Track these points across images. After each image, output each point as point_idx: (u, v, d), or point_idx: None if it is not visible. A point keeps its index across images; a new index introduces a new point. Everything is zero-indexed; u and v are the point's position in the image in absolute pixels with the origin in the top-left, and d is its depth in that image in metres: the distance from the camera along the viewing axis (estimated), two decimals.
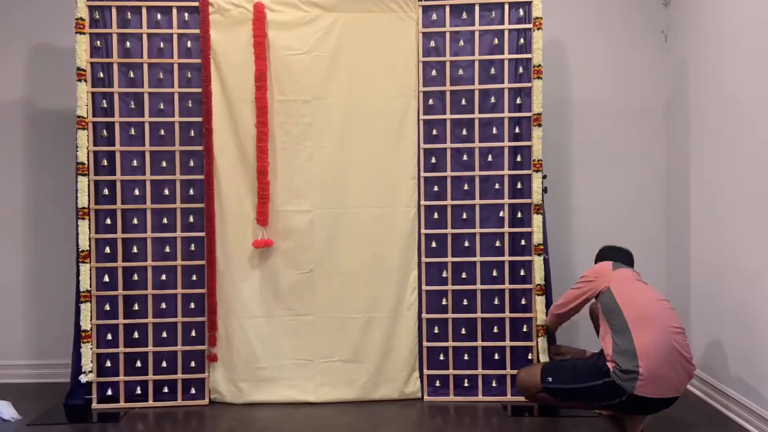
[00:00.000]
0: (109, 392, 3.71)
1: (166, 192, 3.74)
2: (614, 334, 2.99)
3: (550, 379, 3.12)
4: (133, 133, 3.72)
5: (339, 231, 3.77)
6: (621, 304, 3.01)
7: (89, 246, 3.63)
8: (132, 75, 3.71)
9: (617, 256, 3.36)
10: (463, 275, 3.79)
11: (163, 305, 3.74)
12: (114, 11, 3.68)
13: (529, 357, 3.74)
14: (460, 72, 3.77)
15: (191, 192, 3.74)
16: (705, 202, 3.79)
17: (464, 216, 3.79)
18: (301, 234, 3.76)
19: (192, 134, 3.73)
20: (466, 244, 3.78)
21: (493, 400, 3.74)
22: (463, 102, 3.78)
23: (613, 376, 2.93)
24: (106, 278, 3.69)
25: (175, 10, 3.71)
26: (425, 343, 3.78)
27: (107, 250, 3.70)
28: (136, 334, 3.72)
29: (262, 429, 3.44)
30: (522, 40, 3.75)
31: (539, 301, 3.68)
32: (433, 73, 3.78)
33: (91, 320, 3.64)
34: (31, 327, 4.25)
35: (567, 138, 4.32)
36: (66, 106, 3.96)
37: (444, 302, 3.78)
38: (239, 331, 3.75)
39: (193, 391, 3.74)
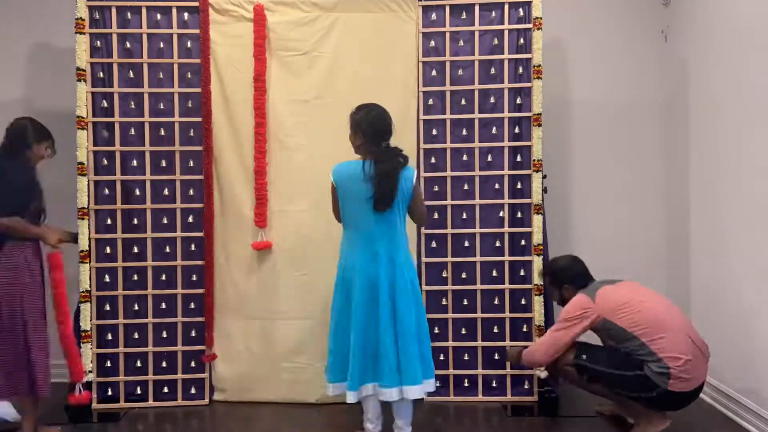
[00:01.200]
0: (109, 392, 3.71)
1: (166, 192, 3.74)
2: (633, 350, 3.01)
3: (584, 356, 3.14)
4: (132, 133, 3.72)
5: (338, 231, 3.76)
6: (627, 327, 3.03)
7: (89, 246, 3.63)
8: (132, 75, 3.72)
9: (575, 269, 3.34)
10: (463, 275, 3.79)
11: (163, 305, 3.74)
12: (114, 11, 3.68)
13: None
14: (460, 72, 3.77)
15: (191, 192, 3.74)
16: (705, 202, 3.79)
17: (464, 216, 3.79)
18: (300, 234, 3.76)
19: (192, 134, 3.74)
20: (466, 244, 3.78)
21: (493, 400, 3.74)
22: (463, 102, 3.78)
23: (647, 371, 2.96)
24: (107, 278, 3.69)
25: (174, 10, 3.71)
26: None
27: (107, 250, 3.70)
28: (136, 334, 3.73)
29: (262, 429, 3.45)
30: (522, 40, 3.75)
31: (537, 301, 3.69)
32: (433, 73, 3.78)
33: (91, 320, 3.64)
34: None
35: (567, 138, 4.32)
36: (66, 106, 3.96)
37: (444, 302, 3.78)
38: (238, 332, 3.75)
39: (193, 391, 3.75)
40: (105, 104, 3.70)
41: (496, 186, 3.78)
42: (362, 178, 2.95)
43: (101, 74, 3.70)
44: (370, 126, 3.01)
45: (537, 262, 3.69)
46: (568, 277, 3.35)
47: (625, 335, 3.02)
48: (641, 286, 3.23)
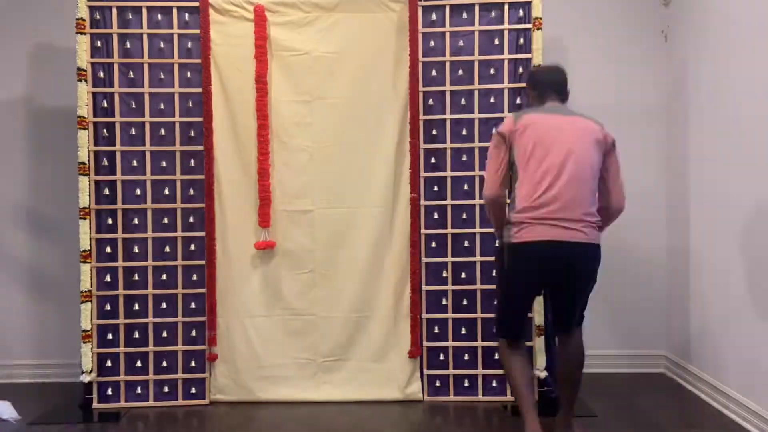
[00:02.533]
0: (110, 392, 3.71)
1: (167, 192, 3.74)
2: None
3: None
4: (133, 133, 3.73)
5: (339, 231, 3.78)
6: (517, 156, 2.84)
7: (90, 246, 3.64)
8: (132, 75, 3.72)
9: (543, 77, 3.08)
10: (463, 275, 3.78)
11: (164, 305, 3.74)
12: (114, 11, 3.69)
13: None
14: (460, 72, 3.78)
15: (191, 192, 3.74)
16: (705, 202, 3.79)
17: (464, 216, 3.79)
18: (301, 234, 3.76)
19: (192, 134, 3.74)
20: (466, 244, 3.78)
21: (493, 400, 3.74)
22: (463, 102, 3.78)
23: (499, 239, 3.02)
24: (107, 278, 3.70)
25: (175, 11, 3.72)
26: (425, 343, 3.78)
27: (108, 249, 3.70)
28: (136, 334, 3.73)
29: (262, 429, 3.45)
30: (522, 41, 3.75)
31: (537, 301, 3.68)
32: (433, 73, 3.79)
33: (91, 320, 3.65)
34: (32, 327, 4.25)
35: None
36: (67, 106, 3.96)
37: (444, 302, 3.79)
38: (240, 331, 3.75)
39: (193, 391, 3.75)
40: (105, 104, 3.70)
41: None
42: None
43: (102, 74, 3.70)
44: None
45: None
46: (533, 81, 3.10)
47: (515, 165, 2.85)
48: (580, 138, 2.86)
